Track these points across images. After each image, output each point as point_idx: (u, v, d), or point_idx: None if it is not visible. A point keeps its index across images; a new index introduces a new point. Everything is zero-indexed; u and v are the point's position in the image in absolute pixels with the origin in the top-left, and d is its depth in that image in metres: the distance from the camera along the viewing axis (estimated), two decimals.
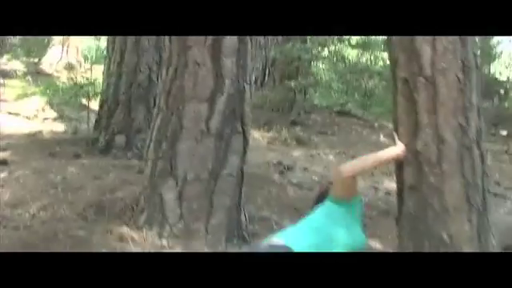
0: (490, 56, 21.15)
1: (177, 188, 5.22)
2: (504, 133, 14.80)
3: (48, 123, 10.29)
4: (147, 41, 8.36)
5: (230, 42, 5.32)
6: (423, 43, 3.41)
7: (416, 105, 3.47)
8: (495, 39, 21.27)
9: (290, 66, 12.79)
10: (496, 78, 19.88)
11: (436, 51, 3.41)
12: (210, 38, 5.25)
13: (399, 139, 3.54)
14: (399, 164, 3.56)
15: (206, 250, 4.99)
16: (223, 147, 5.32)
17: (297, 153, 10.24)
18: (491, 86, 18.97)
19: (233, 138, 5.37)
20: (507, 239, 6.28)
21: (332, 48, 13.89)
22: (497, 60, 22.36)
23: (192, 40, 5.27)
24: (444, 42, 3.40)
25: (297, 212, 6.34)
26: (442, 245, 3.37)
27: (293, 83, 12.15)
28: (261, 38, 14.44)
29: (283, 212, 6.33)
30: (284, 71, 13.15)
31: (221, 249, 5.09)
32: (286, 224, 5.85)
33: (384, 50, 13.79)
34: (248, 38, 5.47)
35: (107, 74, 8.77)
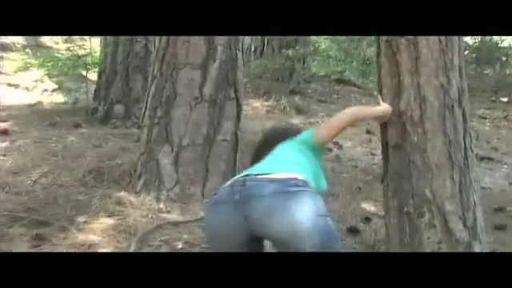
0: None
1: (172, 153, 5.36)
2: (504, 99, 14.86)
3: (47, 94, 10.40)
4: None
5: None
6: None
7: (398, 66, 3.56)
8: None
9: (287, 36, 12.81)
10: (497, 44, 19.85)
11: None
12: None
13: (383, 100, 3.63)
14: (383, 124, 3.67)
15: (201, 213, 5.12)
16: (217, 113, 5.45)
17: (296, 121, 10.33)
18: (493, 53, 18.98)
19: (226, 103, 5.50)
20: (500, 201, 6.45)
21: None
22: None
23: None
24: None
25: None
26: (424, 201, 3.49)
27: (291, 52, 12.19)
28: None
29: None
30: (282, 40, 13.16)
31: None
32: None
33: None
34: None
35: (104, 44, 8.88)
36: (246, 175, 2.78)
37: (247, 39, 14.68)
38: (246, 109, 10.97)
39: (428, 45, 3.51)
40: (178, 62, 5.42)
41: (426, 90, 3.50)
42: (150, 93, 5.65)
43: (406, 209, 3.55)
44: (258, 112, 10.95)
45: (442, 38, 3.51)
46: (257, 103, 11.55)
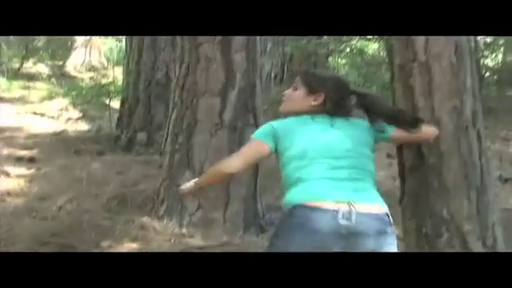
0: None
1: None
2: None
3: (72, 123, 10.61)
4: (163, 39, 8.61)
5: (239, 37, 5.54)
6: None
7: (412, 90, 3.60)
8: None
9: (307, 62, 12.93)
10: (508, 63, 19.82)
11: (428, 37, 3.57)
12: None
13: None
14: (399, 146, 3.73)
15: (224, 238, 5.21)
16: (237, 139, 5.53)
17: None
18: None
19: (246, 129, 5.58)
20: None
21: (350, 42, 13.98)
22: None
23: (202, 36, 5.49)
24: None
25: None
26: (442, 222, 3.53)
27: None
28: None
29: None
30: (302, 66, 13.28)
31: (238, 237, 5.30)
32: None
33: None
34: None
35: (126, 72, 9.08)
36: (349, 203, 2.54)
37: (267, 66, 14.87)
38: None
39: (440, 68, 3.56)
40: (197, 89, 5.55)
41: (440, 113, 3.55)
42: (171, 120, 5.77)
43: (424, 230, 3.58)
44: None
45: (454, 60, 3.57)
46: None
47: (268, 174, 6.70)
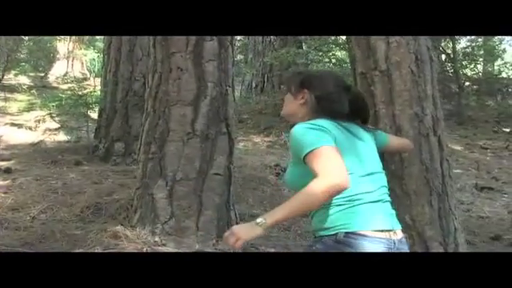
0: (492, 55, 21.33)
1: (167, 187, 5.49)
2: (507, 130, 14.95)
3: (50, 134, 10.63)
4: (140, 50, 8.68)
5: (210, 47, 5.61)
6: (377, 39, 3.67)
7: (374, 97, 3.71)
8: (497, 38, 21.50)
9: (286, 72, 13.04)
10: (495, 76, 20.02)
11: (389, 46, 3.66)
12: (191, 43, 5.54)
13: None
14: None
15: (197, 246, 5.25)
16: (209, 148, 5.58)
17: None
18: (493, 84, 19.13)
19: (218, 138, 5.63)
20: (498, 230, 6.53)
21: (328, 53, 14.10)
22: (499, 59, 22.56)
23: (174, 47, 5.56)
24: (397, 37, 3.65)
25: None
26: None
27: None
28: (258, 46, 14.85)
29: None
30: (282, 76, 13.40)
31: (211, 245, 5.34)
32: None
33: None
34: (228, 42, 5.75)
35: (104, 83, 9.11)
36: (393, 230, 2.47)
37: (248, 76, 14.99)
38: (247, 144, 11.18)
39: (401, 76, 3.67)
40: (170, 98, 5.58)
41: (401, 120, 3.65)
42: (144, 129, 5.81)
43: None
44: (258, 147, 11.13)
45: (415, 69, 3.68)
46: (257, 139, 11.73)
47: (242, 182, 6.77)
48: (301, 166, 2.40)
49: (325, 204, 2.34)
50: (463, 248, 3.79)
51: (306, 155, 2.33)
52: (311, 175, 2.27)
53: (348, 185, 2.25)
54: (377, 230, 2.37)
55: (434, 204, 3.67)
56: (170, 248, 5.18)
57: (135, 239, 5.21)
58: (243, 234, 2.28)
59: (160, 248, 5.16)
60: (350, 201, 2.37)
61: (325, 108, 2.58)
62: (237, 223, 5.76)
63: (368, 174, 2.48)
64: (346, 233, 2.35)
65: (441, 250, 3.60)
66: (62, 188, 6.73)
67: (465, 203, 7.89)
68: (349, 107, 2.65)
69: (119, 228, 5.36)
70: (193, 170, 5.51)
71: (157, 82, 5.72)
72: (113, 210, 5.89)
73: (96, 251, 4.88)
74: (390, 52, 3.69)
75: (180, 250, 5.13)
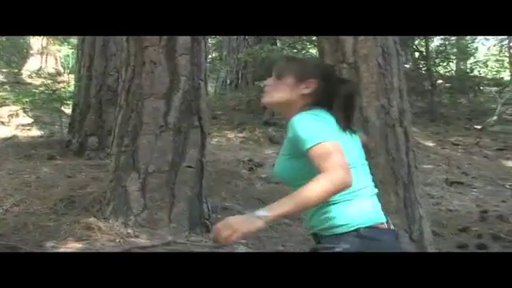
0: (465, 53, 21.63)
1: (139, 180, 5.55)
2: (478, 127, 15.17)
3: (24, 129, 10.61)
4: (114, 45, 8.70)
5: (183, 41, 5.68)
6: None
7: None
8: (469, 36, 21.80)
9: (260, 68, 13.10)
10: (468, 73, 20.28)
11: (357, 40, 3.75)
12: (164, 37, 5.60)
13: None
14: None
15: (169, 238, 5.30)
16: (182, 141, 5.66)
17: (269, 151, 10.56)
18: (466, 82, 19.39)
19: (190, 131, 5.71)
20: (466, 222, 6.67)
21: (303, 50, 14.19)
22: (472, 57, 22.88)
23: (147, 40, 5.61)
24: None
25: (261, 203, 6.69)
26: None
27: (262, 84, 12.42)
28: (233, 42, 14.91)
29: (247, 203, 6.68)
30: (256, 73, 13.45)
31: (184, 236, 5.40)
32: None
33: None
34: (201, 37, 5.81)
35: (77, 78, 9.12)
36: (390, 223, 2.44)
37: (222, 73, 15.04)
38: (221, 140, 11.25)
39: (368, 69, 3.76)
40: (143, 92, 5.64)
41: (368, 111, 3.74)
42: (117, 122, 5.85)
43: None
44: (232, 143, 11.20)
45: (381, 62, 3.77)
46: (231, 134, 11.80)
47: (215, 176, 6.84)
48: (299, 159, 2.28)
49: (328, 201, 2.21)
50: (428, 236, 3.89)
51: (309, 148, 2.18)
52: (311, 169, 2.16)
53: (352, 182, 2.15)
54: (383, 222, 2.36)
55: (400, 193, 3.77)
56: (142, 240, 5.23)
57: (108, 231, 5.26)
58: (242, 227, 2.07)
59: (132, 239, 5.20)
60: (357, 195, 2.29)
61: (327, 100, 2.43)
62: (209, 216, 5.84)
63: (362, 167, 2.42)
64: (366, 227, 2.26)
65: (406, 237, 3.69)
66: (35, 182, 6.74)
67: (435, 197, 8.04)
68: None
69: (92, 220, 5.41)
70: (165, 162, 5.57)
71: (130, 75, 5.78)
72: (86, 202, 5.92)
73: (75, 250, 4.92)
74: (357, 45, 3.78)
75: (152, 242, 5.18)
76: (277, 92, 2.47)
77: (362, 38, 3.75)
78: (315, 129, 2.22)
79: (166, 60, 5.67)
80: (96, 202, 5.89)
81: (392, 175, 3.74)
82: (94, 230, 5.22)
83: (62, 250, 4.77)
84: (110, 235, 5.20)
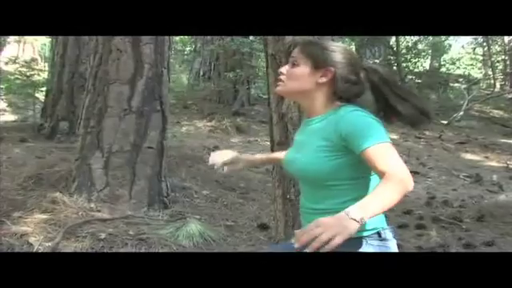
0: (438, 50, 22.16)
1: (103, 159, 5.96)
2: (444, 121, 15.69)
3: None
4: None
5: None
6: None
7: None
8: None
9: (231, 60, 13.48)
10: (438, 70, 20.82)
11: None
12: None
13: (271, 104, 4.31)
14: (270, 125, 4.35)
15: (128, 212, 5.72)
16: (144, 123, 6.08)
17: (235, 139, 10.99)
18: (436, 78, 19.93)
19: (152, 115, 6.14)
20: (411, 206, 7.15)
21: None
22: (445, 54, 23.44)
23: None
24: None
25: (218, 184, 7.15)
26: None
27: (231, 75, 12.85)
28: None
29: (206, 184, 7.11)
30: (227, 65, 13.83)
31: (142, 212, 5.82)
32: (206, 194, 6.66)
33: None
34: None
35: (51, 65, 9.50)
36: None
37: (196, 64, 15.42)
38: (190, 128, 11.66)
39: None
40: (109, 77, 6.05)
41: None
42: (84, 105, 6.26)
43: (288, 196, 4.20)
44: (200, 131, 11.61)
45: None
46: (200, 124, 12.21)
47: (178, 160, 7.25)
48: (342, 157, 2.16)
49: (345, 205, 1.97)
50: None
51: (369, 147, 2.05)
52: (353, 167, 2.15)
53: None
54: None
55: None
56: (103, 214, 5.64)
57: (72, 205, 5.66)
58: (342, 231, 1.80)
59: (94, 213, 5.61)
60: None
61: (350, 92, 2.29)
62: (167, 194, 6.27)
63: None
64: (383, 229, 2.24)
65: None
66: (6, 161, 7.12)
67: None
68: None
69: (58, 195, 5.80)
70: (128, 143, 5.99)
71: (98, 62, 6.18)
72: (53, 180, 6.30)
73: (38, 215, 5.31)
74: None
75: (112, 216, 5.59)
76: (291, 81, 2.32)
77: None
78: (375, 128, 2.11)
79: (131, 48, 6.07)
80: (63, 180, 6.25)
81: None
82: (58, 203, 5.61)
83: (28, 219, 5.16)
84: (73, 209, 5.59)
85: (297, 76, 2.30)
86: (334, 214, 1.90)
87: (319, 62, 2.27)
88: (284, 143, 4.22)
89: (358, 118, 2.14)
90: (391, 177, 1.96)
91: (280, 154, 2.83)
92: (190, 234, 5.13)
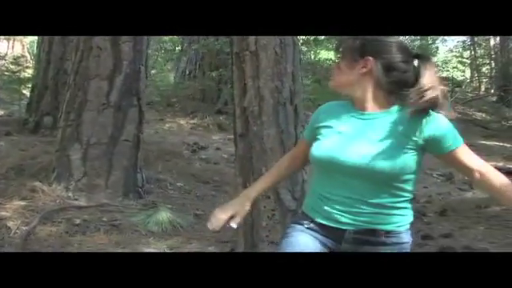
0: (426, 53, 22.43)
1: (81, 150, 6.27)
2: None
3: None
4: None
5: None
6: None
7: (244, 72, 4.54)
8: (430, 37, 22.72)
9: (215, 59, 13.74)
10: None
11: None
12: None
13: (234, 99, 4.63)
14: (233, 118, 4.67)
15: (104, 201, 6.02)
16: (121, 117, 6.40)
17: (216, 137, 11.27)
18: None
19: (129, 110, 6.45)
20: None
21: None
22: (432, 57, 23.70)
23: None
24: None
25: (193, 178, 7.46)
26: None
27: (214, 74, 13.12)
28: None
29: (181, 177, 7.41)
30: (212, 64, 14.07)
31: (118, 201, 6.13)
32: (180, 185, 6.98)
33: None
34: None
35: (37, 61, 9.78)
36: None
37: (182, 63, 15.66)
38: (172, 125, 11.94)
39: (266, 56, 4.51)
40: (89, 73, 6.36)
41: (264, 91, 4.49)
42: (65, 99, 6.58)
43: (248, 184, 4.50)
44: (182, 128, 11.90)
45: (278, 50, 4.52)
46: (183, 121, 12.48)
47: (156, 154, 7.57)
48: (419, 153, 2.19)
49: (400, 199, 2.25)
50: None
51: (458, 146, 2.20)
52: (420, 164, 2.23)
53: None
54: None
55: None
56: (80, 202, 5.94)
57: (50, 193, 5.97)
58: None
59: (71, 201, 5.92)
60: None
61: (394, 80, 2.25)
62: (143, 185, 6.58)
63: None
64: (410, 223, 2.36)
65: (289, 195, 4.44)
66: None
67: None
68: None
69: (37, 184, 6.11)
70: (105, 135, 6.31)
71: (79, 58, 6.50)
72: (34, 170, 6.60)
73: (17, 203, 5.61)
74: (258, 36, 4.53)
75: (88, 204, 5.89)
76: (339, 74, 2.37)
77: None
78: (455, 129, 2.21)
79: (110, 46, 6.39)
80: (43, 170, 6.55)
81: (280, 145, 4.49)
82: (38, 192, 5.92)
83: (7, 205, 5.47)
84: (51, 197, 5.90)
85: (341, 69, 2.35)
86: (389, 208, 2.22)
87: (357, 54, 2.29)
88: (245, 135, 4.55)
89: (445, 121, 2.18)
90: (489, 167, 2.20)
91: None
92: (159, 220, 5.44)
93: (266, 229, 4.46)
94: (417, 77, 2.21)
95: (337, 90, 2.41)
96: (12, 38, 17.91)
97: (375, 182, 2.20)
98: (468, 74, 25.41)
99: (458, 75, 24.26)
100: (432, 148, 2.18)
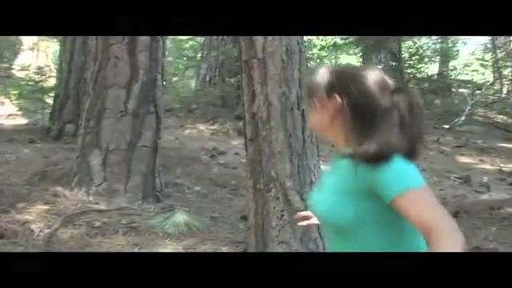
0: (447, 56, 22.47)
1: (101, 156, 6.52)
2: (446, 126, 15.99)
3: (10, 117, 11.56)
4: (93, 43, 9.67)
5: (143, 39, 6.63)
6: None
7: (252, 79, 4.75)
8: (451, 40, 22.70)
9: (233, 66, 13.94)
10: (442, 74, 21.08)
11: (266, 39, 4.68)
12: (127, 36, 6.54)
13: (244, 105, 4.84)
14: (244, 123, 4.87)
15: (123, 205, 6.26)
16: (139, 124, 6.64)
17: (235, 142, 11.44)
18: (441, 83, 20.23)
19: (147, 117, 6.69)
20: None
21: None
22: (454, 60, 23.71)
23: (113, 39, 6.57)
24: None
25: (211, 182, 7.67)
26: (271, 180, 4.66)
27: (233, 80, 13.34)
28: (213, 42, 15.77)
29: (199, 181, 7.63)
30: (230, 70, 14.29)
31: (137, 205, 6.36)
32: (197, 189, 7.19)
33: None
34: (160, 36, 6.77)
35: (59, 71, 10.09)
36: None
37: (203, 70, 15.91)
38: (192, 131, 12.16)
39: (273, 63, 4.71)
40: (107, 82, 6.61)
41: (272, 97, 4.69)
42: (85, 107, 6.84)
43: (258, 186, 4.72)
44: (202, 134, 12.12)
45: (285, 57, 4.72)
46: (203, 127, 12.70)
47: (176, 160, 7.78)
48: (367, 201, 1.87)
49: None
50: None
51: (399, 195, 1.76)
52: (377, 215, 1.88)
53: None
54: None
55: (294, 162, 4.70)
56: (100, 206, 6.18)
57: (72, 198, 6.23)
58: None
59: (92, 205, 6.16)
60: None
61: (366, 122, 1.90)
62: (161, 189, 6.80)
63: None
64: None
65: (297, 197, 4.63)
66: (15, 160, 7.70)
67: None
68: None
69: (59, 189, 6.37)
70: (124, 142, 6.54)
71: (97, 68, 6.76)
72: (57, 176, 6.86)
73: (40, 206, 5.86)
74: (266, 44, 4.72)
75: (108, 208, 6.13)
76: (312, 116, 2.13)
77: (270, 38, 4.68)
78: (411, 171, 1.80)
79: (127, 55, 6.63)
80: (65, 176, 6.81)
81: (289, 148, 4.68)
82: (60, 196, 6.19)
83: (31, 209, 5.73)
84: (72, 201, 6.16)
85: (313, 114, 2.08)
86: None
87: (327, 90, 1.99)
88: (255, 139, 4.76)
89: (393, 164, 1.79)
90: (440, 232, 1.71)
91: None
92: (176, 223, 5.65)
93: (275, 229, 4.65)
94: (399, 114, 1.88)
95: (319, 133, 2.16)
96: (36, 48, 18.28)
97: (337, 233, 1.98)
98: (490, 76, 25.29)
99: (479, 78, 24.14)
100: (380, 195, 1.81)
